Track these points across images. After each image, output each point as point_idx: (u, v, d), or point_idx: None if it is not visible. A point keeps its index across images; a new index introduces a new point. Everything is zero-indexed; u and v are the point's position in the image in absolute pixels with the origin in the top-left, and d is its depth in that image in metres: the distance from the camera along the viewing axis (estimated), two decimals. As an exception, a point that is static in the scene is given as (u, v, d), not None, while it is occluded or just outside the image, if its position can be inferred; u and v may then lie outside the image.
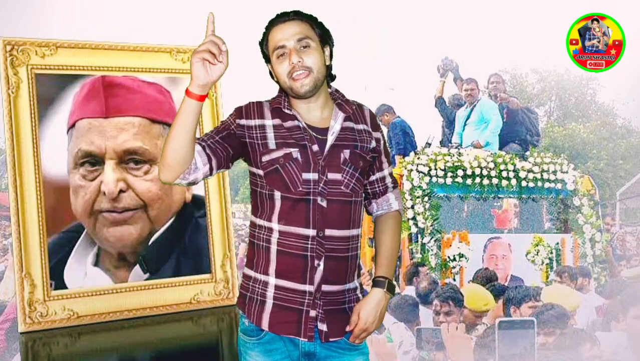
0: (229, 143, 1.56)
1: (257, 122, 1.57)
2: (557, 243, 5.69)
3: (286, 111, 1.57)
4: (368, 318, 1.56)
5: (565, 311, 2.81)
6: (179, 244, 2.31)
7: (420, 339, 2.43)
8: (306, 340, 1.54)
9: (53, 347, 2.07)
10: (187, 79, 2.34)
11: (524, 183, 5.69)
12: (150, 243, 2.25)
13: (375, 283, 1.60)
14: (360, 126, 1.63)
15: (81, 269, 2.17)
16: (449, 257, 5.22)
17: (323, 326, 1.55)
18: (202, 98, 1.46)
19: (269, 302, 1.56)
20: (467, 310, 3.44)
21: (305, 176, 1.53)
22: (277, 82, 1.60)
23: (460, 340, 2.36)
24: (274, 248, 1.55)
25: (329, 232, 1.54)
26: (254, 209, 1.62)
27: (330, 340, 1.56)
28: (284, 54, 1.54)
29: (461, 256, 5.21)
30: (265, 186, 1.56)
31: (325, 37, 1.60)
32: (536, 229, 6.06)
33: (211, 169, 1.54)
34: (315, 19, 1.60)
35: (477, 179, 5.51)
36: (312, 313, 1.54)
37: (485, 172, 5.53)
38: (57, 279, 2.13)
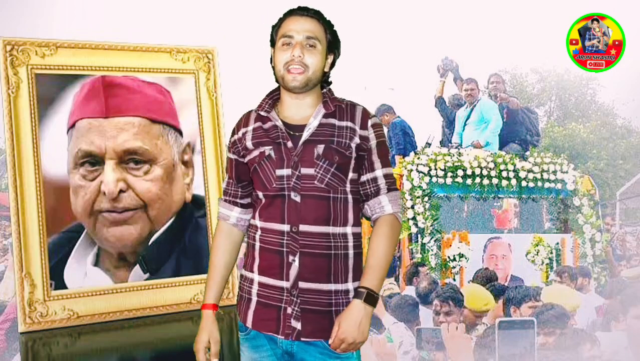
0: (247, 177, 1.66)
1: (242, 131, 1.65)
2: (557, 243, 5.69)
3: (263, 113, 1.62)
4: (347, 328, 1.51)
5: (565, 311, 2.81)
6: (179, 244, 2.31)
7: (420, 339, 2.43)
8: (283, 337, 1.55)
9: (53, 347, 2.07)
10: (187, 79, 2.36)
11: (524, 183, 5.69)
12: (150, 243, 2.25)
13: (355, 294, 1.56)
14: (344, 123, 1.61)
15: (81, 269, 2.17)
16: (449, 257, 5.22)
17: (297, 325, 1.54)
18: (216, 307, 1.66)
19: (254, 299, 1.59)
20: (467, 310, 3.44)
21: (279, 172, 1.56)
22: (274, 68, 1.63)
23: (460, 340, 2.36)
24: (257, 245, 1.60)
25: (303, 227, 1.54)
26: (252, 212, 1.68)
27: (302, 339, 1.54)
28: (289, 43, 1.57)
29: (461, 256, 5.21)
30: (253, 188, 1.64)
31: (333, 46, 1.64)
32: (536, 229, 6.06)
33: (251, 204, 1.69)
34: (332, 25, 1.64)
35: (477, 179, 5.51)
36: (289, 310, 1.55)
37: (485, 172, 5.53)
38: (57, 279, 2.13)
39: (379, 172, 1.65)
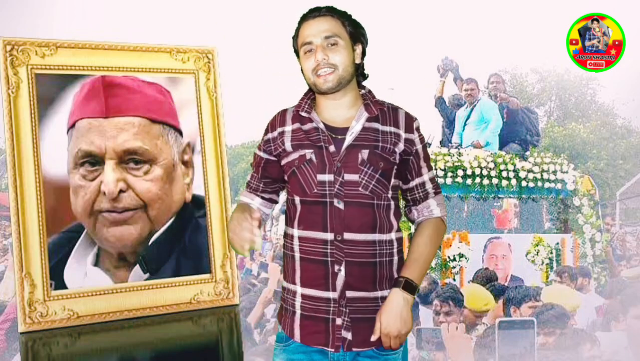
0: (273, 174, 1.64)
1: (278, 130, 1.60)
2: (557, 243, 5.69)
3: (303, 114, 1.56)
4: (388, 321, 1.47)
5: (565, 311, 2.81)
6: (179, 244, 2.31)
7: (420, 339, 2.43)
8: (333, 350, 1.51)
9: (53, 347, 2.07)
10: (187, 79, 2.36)
11: (524, 183, 5.69)
12: (150, 243, 2.25)
13: (394, 283, 1.53)
14: (387, 128, 1.56)
15: (81, 269, 2.17)
16: (449, 257, 5.22)
17: (348, 335, 1.51)
18: None
19: (298, 313, 1.55)
20: (467, 310, 3.45)
21: (320, 177, 1.50)
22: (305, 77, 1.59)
23: (460, 340, 2.36)
24: (297, 255, 1.54)
25: (348, 236, 1.49)
26: (285, 219, 1.64)
27: (354, 349, 1.51)
28: (310, 50, 1.53)
29: (461, 256, 5.21)
30: (289, 192, 1.58)
31: (357, 35, 1.58)
32: (536, 229, 6.07)
33: (276, 202, 1.69)
34: (349, 16, 1.57)
35: (477, 179, 5.51)
36: (338, 321, 1.51)
37: (485, 172, 5.54)
38: (57, 279, 2.13)
39: (426, 176, 1.63)
